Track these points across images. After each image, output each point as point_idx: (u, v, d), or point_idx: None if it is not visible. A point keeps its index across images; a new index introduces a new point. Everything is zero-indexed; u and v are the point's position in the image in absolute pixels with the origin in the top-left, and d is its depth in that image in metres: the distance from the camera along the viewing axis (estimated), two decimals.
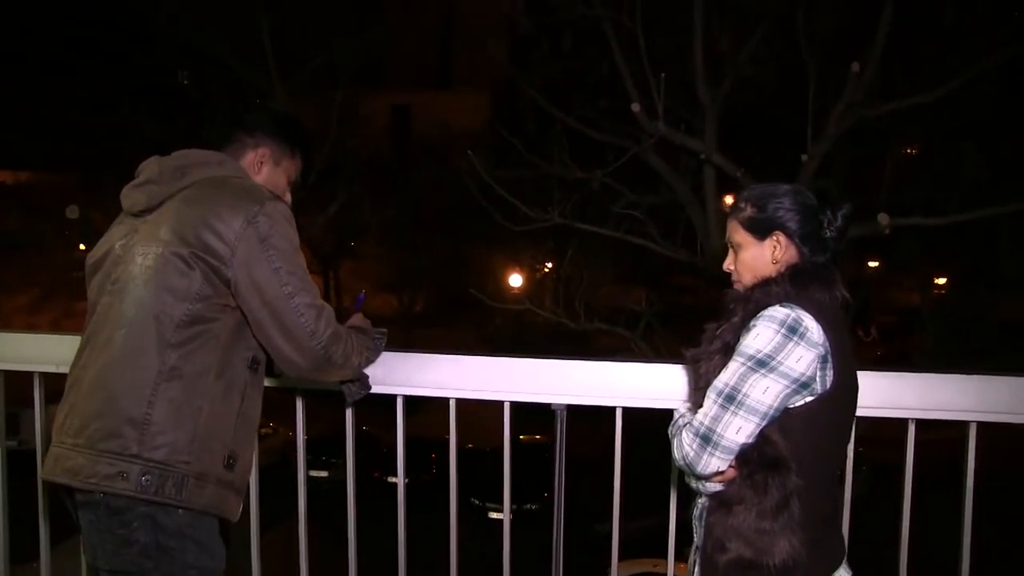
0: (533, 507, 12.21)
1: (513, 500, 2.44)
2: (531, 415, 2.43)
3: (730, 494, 1.66)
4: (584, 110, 9.88)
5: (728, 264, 1.83)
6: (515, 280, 19.80)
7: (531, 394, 2.23)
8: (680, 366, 2.20)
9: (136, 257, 1.84)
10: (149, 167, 1.96)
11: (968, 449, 2.22)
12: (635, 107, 8.03)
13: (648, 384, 2.22)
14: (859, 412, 1.87)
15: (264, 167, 2.09)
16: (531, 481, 7.94)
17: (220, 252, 1.80)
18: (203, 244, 1.80)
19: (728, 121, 8.88)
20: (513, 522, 2.44)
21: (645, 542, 6.15)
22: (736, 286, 1.82)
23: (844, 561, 1.75)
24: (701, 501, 1.77)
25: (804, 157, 7.28)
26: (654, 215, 10.16)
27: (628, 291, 13.04)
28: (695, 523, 1.79)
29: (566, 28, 9.16)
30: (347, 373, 2.04)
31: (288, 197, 2.14)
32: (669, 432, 1.82)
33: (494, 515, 12.45)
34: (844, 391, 1.68)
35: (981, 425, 2.20)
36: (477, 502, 12.85)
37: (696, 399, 1.74)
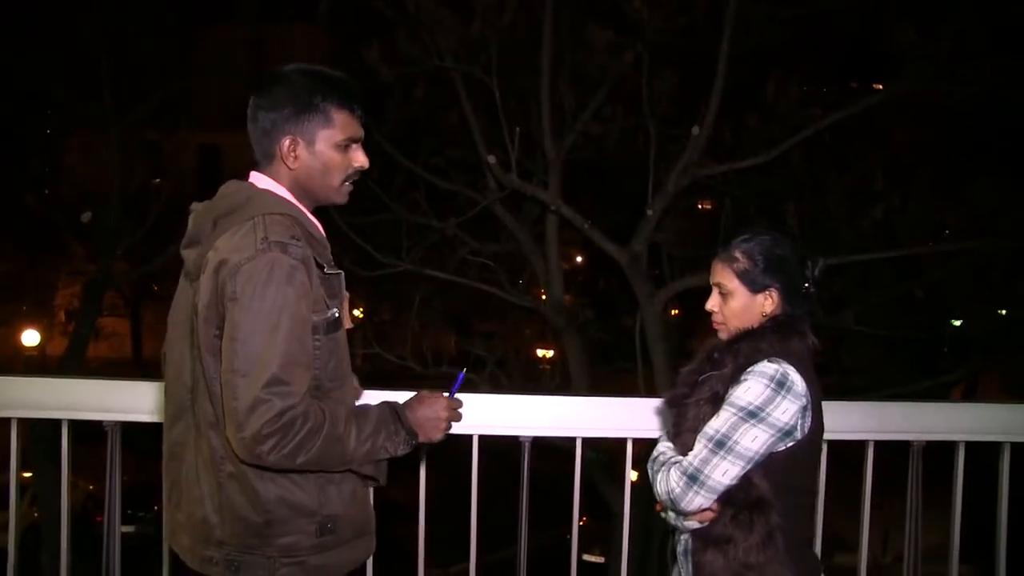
0: None
1: None
2: None
3: (718, 533, 1.83)
4: (432, 158, 10.06)
5: (712, 305, 2.00)
6: None
7: (500, 428, 2.33)
8: (627, 399, 2.38)
9: (193, 347, 1.77)
10: (190, 222, 1.81)
11: (867, 465, 2.56)
12: (491, 159, 8.31)
13: (605, 417, 2.39)
14: None
15: (298, 159, 1.80)
16: None
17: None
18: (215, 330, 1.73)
19: (573, 174, 9.39)
20: None
21: None
22: (717, 327, 1.99)
23: (822, 573, 1.97)
24: (684, 538, 1.92)
25: (649, 212, 7.85)
26: (498, 262, 10.46)
27: (445, 335, 13.28)
28: (680, 558, 1.94)
29: (416, 78, 9.32)
30: (312, 467, 1.66)
31: (356, 159, 1.83)
32: (648, 467, 1.96)
33: None
34: (818, 433, 1.89)
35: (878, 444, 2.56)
36: None
37: (685, 440, 1.90)
